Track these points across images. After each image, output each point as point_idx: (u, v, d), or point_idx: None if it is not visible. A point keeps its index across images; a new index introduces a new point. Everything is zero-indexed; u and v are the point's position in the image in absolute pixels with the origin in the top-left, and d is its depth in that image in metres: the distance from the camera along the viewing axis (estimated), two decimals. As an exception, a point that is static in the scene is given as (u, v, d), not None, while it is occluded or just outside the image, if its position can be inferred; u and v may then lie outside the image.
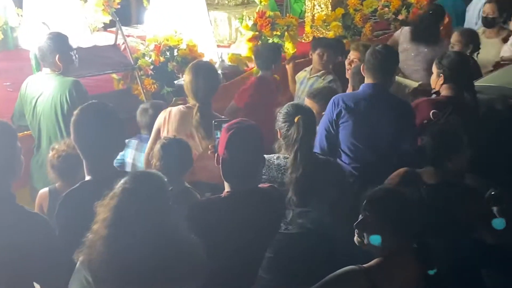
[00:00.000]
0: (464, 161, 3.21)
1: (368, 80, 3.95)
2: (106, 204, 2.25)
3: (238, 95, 4.98)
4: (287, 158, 3.27)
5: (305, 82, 5.21)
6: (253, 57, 5.29)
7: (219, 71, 5.62)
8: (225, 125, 2.81)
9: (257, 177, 2.84)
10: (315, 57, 5.15)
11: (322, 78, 5.09)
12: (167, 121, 3.78)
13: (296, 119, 3.23)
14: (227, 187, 2.80)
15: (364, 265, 2.47)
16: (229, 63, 5.84)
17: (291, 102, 3.54)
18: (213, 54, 5.82)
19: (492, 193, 3.84)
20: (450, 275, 2.63)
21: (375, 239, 2.47)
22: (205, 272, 2.32)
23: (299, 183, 3.19)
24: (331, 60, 5.17)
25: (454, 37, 5.28)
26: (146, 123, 4.20)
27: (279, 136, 3.34)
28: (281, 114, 3.34)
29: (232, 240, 2.68)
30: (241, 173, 2.74)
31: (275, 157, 3.31)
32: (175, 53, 5.34)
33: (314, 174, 3.20)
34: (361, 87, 3.99)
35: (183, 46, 5.38)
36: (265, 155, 3.14)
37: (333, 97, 3.93)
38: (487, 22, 6.09)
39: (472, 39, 5.26)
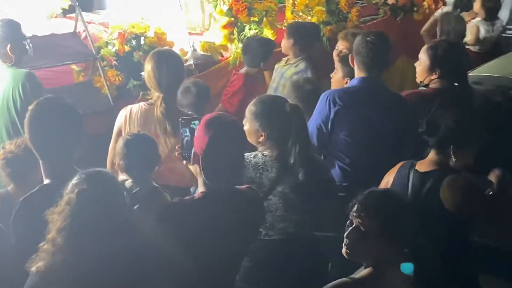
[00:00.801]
0: (469, 158, 3.18)
1: (360, 73, 3.93)
2: (61, 210, 2.22)
3: (227, 99, 5.05)
4: (266, 155, 3.27)
5: (278, 71, 5.23)
6: (241, 52, 5.33)
7: (191, 61, 5.63)
8: (203, 120, 2.80)
9: (242, 176, 2.89)
10: (287, 43, 5.17)
11: (295, 65, 5.11)
12: (128, 120, 3.76)
13: (287, 107, 3.25)
14: (201, 188, 2.80)
15: (356, 277, 2.48)
16: (202, 53, 5.81)
17: (268, 95, 3.53)
18: (184, 42, 5.79)
19: (490, 193, 3.90)
20: (445, 279, 2.66)
21: (408, 268, 2.46)
22: (172, 277, 2.33)
23: (288, 184, 3.20)
24: (305, 47, 5.17)
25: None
26: (189, 103, 4.40)
27: (262, 139, 3.30)
28: (256, 114, 3.30)
29: (206, 245, 2.68)
30: (226, 173, 2.76)
31: (252, 155, 3.30)
32: (142, 42, 5.32)
33: (306, 174, 3.21)
34: (354, 82, 3.97)
35: (150, 33, 5.36)
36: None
37: (326, 94, 3.89)
38: (463, 5, 6.19)
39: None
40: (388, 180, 3.27)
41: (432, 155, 3.18)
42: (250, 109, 3.34)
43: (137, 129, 3.66)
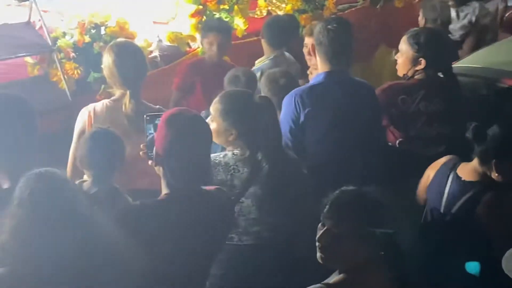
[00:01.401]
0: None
1: (324, 67, 3.88)
2: (13, 214, 2.22)
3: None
4: (237, 154, 3.27)
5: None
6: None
7: (157, 53, 5.60)
8: (163, 117, 2.79)
9: (209, 175, 2.88)
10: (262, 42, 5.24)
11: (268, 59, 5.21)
12: (92, 120, 3.72)
13: (257, 98, 3.27)
14: (165, 189, 2.79)
15: (330, 282, 2.48)
16: (168, 43, 5.78)
17: (233, 90, 3.52)
18: (149, 32, 5.76)
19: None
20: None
21: (473, 267, 2.44)
22: (133, 282, 2.35)
23: (261, 185, 3.20)
24: (278, 44, 5.22)
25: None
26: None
27: (232, 138, 3.29)
28: (224, 111, 3.28)
29: (168, 249, 2.67)
30: (191, 172, 2.76)
31: (221, 155, 3.29)
32: (103, 32, 5.28)
33: (280, 173, 3.23)
34: (319, 77, 3.91)
35: (112, 23, 5.32)
36: (211, 155, 3.16)
37: (293, 95, 3.85)
38: None
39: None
40: (429, 174, 3.40)
41: (475, 163, 3.23)
42: (216, 107, 3.31)
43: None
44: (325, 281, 2.52)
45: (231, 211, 3.02)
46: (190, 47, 5.85)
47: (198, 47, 5.67)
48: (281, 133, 3.44)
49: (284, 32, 5.35)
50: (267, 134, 3.23)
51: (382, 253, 2.47)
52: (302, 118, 3.79)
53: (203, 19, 5.76)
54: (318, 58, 3.89)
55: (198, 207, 2.77)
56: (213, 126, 3.25)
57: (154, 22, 6.07)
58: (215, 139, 3.28)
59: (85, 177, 3.35)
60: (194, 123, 2.78)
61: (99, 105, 3.77)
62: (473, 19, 6.20)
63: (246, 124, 3.24)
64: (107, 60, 3.74)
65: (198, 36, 5.75)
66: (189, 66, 5.27)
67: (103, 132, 3.35)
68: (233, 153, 3.28)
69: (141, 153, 2.90)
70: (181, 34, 5.77)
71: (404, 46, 4.10)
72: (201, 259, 2.86)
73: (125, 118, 3.67)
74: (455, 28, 6.09)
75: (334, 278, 2.53)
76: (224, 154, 3.29)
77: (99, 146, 3.27)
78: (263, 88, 4.22)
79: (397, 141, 4.07)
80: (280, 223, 3.29)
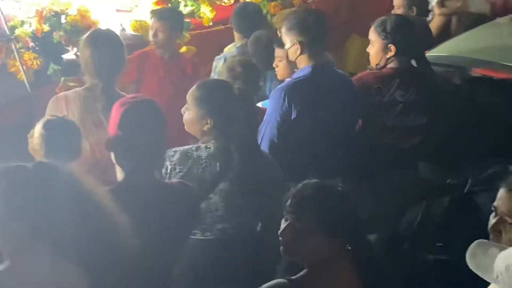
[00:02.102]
0: None
1: (308, 61, 3.84)
2: None
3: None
4: (210, 148, 3.22)
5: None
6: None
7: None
8: (117, 101, 2.86)
9: (159, 161, 2.93)
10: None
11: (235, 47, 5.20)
12: (64, 110, 3.66)
13: (236, 91, 3.24)
14: (120, 175, 2.81)
15: (292, 277, 2.45)
16: (132, 32, 5.75)
17: (213, 79, 3.47)
18: (111, 21, 5.70)
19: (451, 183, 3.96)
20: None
21: None
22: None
23: (231, 182, 3.17)
24: (246, 32, 5.18)
25: None
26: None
27: (207, 128, 3.24)
28: (200, 99, 3.24)
29: (119, 243, 2.59)
30: (138, 156, 2.78)
31: (194, 148, 3.24)
32: (63, 21, 5.23)
33: (253, 171, 3.19)
34: (305, 71, 3.86)
35: (72, 11, 5.26)
36: (182, 147, 3.24)
37: (282, 90, 3.80)
38: None
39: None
40: None
41: None
42: (193, 94, 3.27)
43: (78, 119, 3.58)
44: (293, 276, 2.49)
45: (194, 206, 2.99)
46: (154, 35, 5.78)
47: (163, 36, 5.61)
48: (257, 128, 3.39)
49: (251, 19, 5.28)
50: (243, 128, 3.19)
51: (349, 247, 2.44)
52: (294, 115, 3.75)
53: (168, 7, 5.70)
54: (301, 49, 3.83)
55: (155, 199, 2.77)
56: (188, 115, 3.25)
57: (117, 10, 6.07)
58: (189, 128, 3.30)
59: None
60: (146, 106, 2.85)
61: (71, 93, 3.74)
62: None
63: (223, 114, 3.20)
64: (84, 51, 3.70)
65: (163, 24, 5.69)
66: (133, 60, 5.05)
67: (57, 121, 3.34)
68: (206, 147, 3.23)
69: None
70: (145, 23, 5.72)
71: (373, 35, 4.10)
72: (161, 253, 2.81)
73: (99, 105, 3.65)
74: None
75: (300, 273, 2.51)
76: (196, 146, 3.25)
77: (55, 136, 3.25)
78: (222, 76, 4.21)
79: (374, 132, 4.03)
80: (247, 221, 3.28)
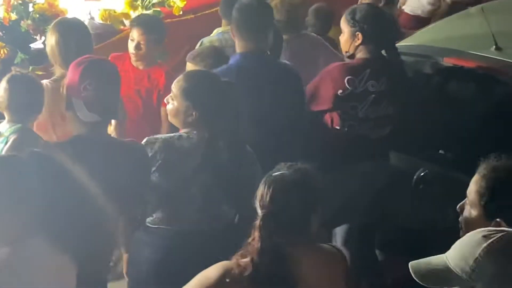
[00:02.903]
0: None
1: (244, 47, 3.85)
2: None
3: None
4: (192, 138, 3.22)
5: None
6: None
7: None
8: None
9: (117, 114, 3.23)
10: None
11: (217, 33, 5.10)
12: None
13: (223, 85, 3.25)
14: (76, 131, 3.06)
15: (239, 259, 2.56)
16: (101, 21, 5.72)
17: (198, 70, 3.46)
18: (80, 10, 5.67)
19: (422, 174, 3.99)
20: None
21: None
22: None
23: (211, 174, 3.19)
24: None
25: None
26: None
27: (191, 119, 3.24)
28: (187, 88, 3.26)
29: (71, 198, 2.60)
30: (101, 109, 3.02)
31: (176, 137, 3.24)
32: (31, 9, 5.18)
33: (237, 164, 3.23)
34: (238, 58, 3.88)
35: (40, 0, 5.21)
36: (164, 135, 3.33)
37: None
38: None
39: None
40: None
41: None
42: (179, 85, 3.27)
43: (46, 111, 3.62)
44: None
45: (145, 164, 3.16)
46: (124, 25, 5.77)
47: (132, 26, 5.58)
48: (238, 121, 3.37)
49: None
50: (227, 121, 3.20)
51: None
52: None
53: (139, -4, 5.67)
54: (237, 36, 3.88)
55: (105, 153, 3.01)
56: (172, 106, 3.26)
57: (86, -1, 5.97)
58: (171, 119, 3.33)
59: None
60: (102, 64, 3.16)
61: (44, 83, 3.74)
62: None
63: (208, 107, 3.21)
64: (50, 38, 3.70)
65: (132, 13, 5.66)
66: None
67: (22, 76, 3.59)
68: (189, 136, 3.23)
69: None
70: (115, 12, 5.73)
71: (343, 23, 4.14)
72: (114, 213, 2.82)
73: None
74: (423, 3, 6.08)
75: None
76: (178, 135, 3.25)
77: (18, 90, 3.47)
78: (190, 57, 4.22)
79: (346, 124, 4.03)
80: (224, 213, 3.31)
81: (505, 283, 1.96)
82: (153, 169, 3.20)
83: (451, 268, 1.99)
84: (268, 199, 2.55)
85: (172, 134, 3.26)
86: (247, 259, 2.54)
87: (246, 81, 3.71)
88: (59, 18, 4.12)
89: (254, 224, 2.57)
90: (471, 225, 2.48)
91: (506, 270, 1.95)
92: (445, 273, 2.00)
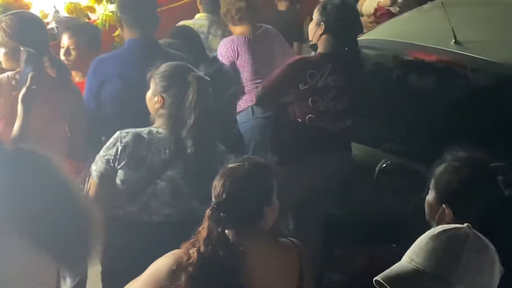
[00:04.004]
0: None
1: (130, 33, 3.91)
2: None
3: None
4: (161, 133, 3.22)
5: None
6: None
7: (54, 25, 5.44)
8: None
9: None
10: None
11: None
12: None
13: (190, 77, 3.21)
14: None
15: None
16: (66, 15, 5.70)
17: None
18: (45, 3, 5.64)
19: (384, 165, 4.05)
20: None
21: None
22: None
23: (179, 169, 3.19)
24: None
25: None
26: None
27: (157, 106, 3.25)
28: (159, 75, 3.27)
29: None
30: None
31: (145, 131, 3.24)
32: (-5, 2, 5.09)
33: (205, 159, 3.20)
34: (125, 44, 3.95)
35: (5, -8, 5.14)
36: (135, 129, 3.26)
37: (95, 63, 3.91)
38: None
39: None
40: None
41: None
42: (157, 70, 3.31)
43: (9, 102, 3.57)
44: None
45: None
46: (89, 18, 5.76)
47: (98, 19, 5.54)
48: (210, 118, 3.34)
49: None
50: (193, 114, 3.19)
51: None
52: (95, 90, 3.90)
53: (105, -10, 5.64)
54: (124, 24, 3.94)
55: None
56: (148, 91, 3.32)
57: (49, -8, 5.91)
58: (147, 104, 3.34)
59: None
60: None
61: (3, 77, 3.68)
62: None
63: (172, 94, 3.22)
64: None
65: (97, 7, 5.64)
66: None
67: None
68: (158, 132, 3.24)
69: None
70: (80, 5, 5.72)
71: (315, 11, 4.18)
72: None
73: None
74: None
75: None
76: (148, 130, 3.26)
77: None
78: None
79: (307, 117, 4.08)
80: (194, 208, 3.27)
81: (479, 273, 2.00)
82: (123, 162, 3.20)
83: (427, 273, 2.00)
84: (220, 189, 2.60)
85: (143, 129, 3.25)
86: (195, 248, 2.58)
87: (130, 65, 3.80)
88: (12, 12, 4.04)
89: (205, 213, 2.61)
90: (428, 207, 2.59)
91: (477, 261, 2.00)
92: (418, 279, 2.01)
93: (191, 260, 2.56)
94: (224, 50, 4.87)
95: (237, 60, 4.82)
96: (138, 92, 3.50)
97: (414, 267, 2.01)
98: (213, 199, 2.62)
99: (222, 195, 2.59)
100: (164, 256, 2.68)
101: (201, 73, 3.33)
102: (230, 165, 2.67)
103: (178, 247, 3.14)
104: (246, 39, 4.89)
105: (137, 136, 3.22)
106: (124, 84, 3.80)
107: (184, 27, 4.90)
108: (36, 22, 3.74)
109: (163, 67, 3.31)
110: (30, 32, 3.61)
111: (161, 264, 2.67)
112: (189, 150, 3.19)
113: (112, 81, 3.83)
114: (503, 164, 2.56)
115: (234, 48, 4.85)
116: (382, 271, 2.07)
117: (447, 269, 1.97)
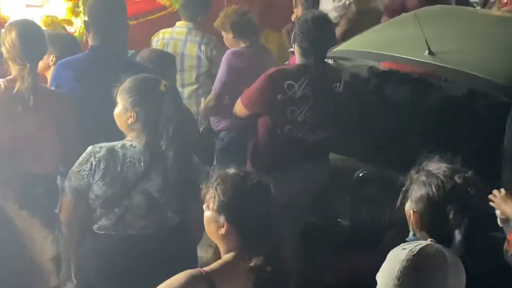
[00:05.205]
0: None
1: (94, 40, 3.95)
2: None
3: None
4: (135, 146, 3.21)
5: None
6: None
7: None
8: None
9: None
10: None
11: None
12: None
13: (162, 86, 3.19)
14: None
15: (204, 269, 2.51)
16: (44, 28, 5.54)
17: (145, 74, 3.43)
18: (22, 16, 5.54)
19: (361, 174, 4.09)
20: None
21: None
22: None
23: (154, 182, 3.19)
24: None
25: None
26: None
27: (130, 121, 3.23)
28: (127, 90, 3.23)
29: None
30: None
31: (119, 145, 3.22)
32: (-28, 17, 5.07)
33: (179, 170, 3.20)
34: (88, 50, 3.99)
35: (-19, 6, 5.11)
36: (108, 143, 3.23)
37: (56, 66, 3.96)
38: None
39: None
40: None
41: None
42: (123, 86, 3.26)
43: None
44: None
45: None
46: (66, 31, 5.72)
47: (75, 32, 5.54)
48: (183, 126, 3.34)
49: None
50: (168, 125, 3.17)
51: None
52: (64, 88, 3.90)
53: (80, 2, 5.62)
54: (90, 30, 3.99)
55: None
56: (116, 107, 3.26)
57: (27, 5, 5.92)
58: (117, 123, 3.28)
59: None
60: None
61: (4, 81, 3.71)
62: (347, 2, 6.32)
63: (145, 107, 3.19)
64: (9, 35, 3.67)
65: (75, 20, 5.63)
66: None
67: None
68: (132, 145, 3.22)
69: None
70: (57, 18, 5.68)
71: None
72: None
73: (19, 99, 3.60)
74: (328, 9, 6.18)
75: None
76: (122, 144, 3.23)
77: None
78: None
79: (286, 128, 4.11)
80: (168, 219, 3.31)
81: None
82: (97, 177, 3.19)
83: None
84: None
85: (116, 143, 3.23)
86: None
87: (93, 70, 3.83)
88: (15, 20, 4.08)
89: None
90: (407, 215, 2.64)
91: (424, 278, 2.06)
92: None
93: None
94: (234, 59, 4.91)
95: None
96: (94, 97, 3.56)
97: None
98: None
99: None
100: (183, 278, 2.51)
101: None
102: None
103: (156, 261, 3.19)
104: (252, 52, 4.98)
105: (111, 151, 3.19)
106: (79, 87, 3.81)
107: (160, 51, 4.86)
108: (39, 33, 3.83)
109: (129, 82, 3.26)
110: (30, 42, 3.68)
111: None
112: (170, 162, 3.18)
113: (66, 85, 3.84)
114: (470, 174, 2.60)
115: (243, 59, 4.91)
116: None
117: (436, 284, 2.03)
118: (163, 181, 3.21)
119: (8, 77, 3.69)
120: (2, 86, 3.65)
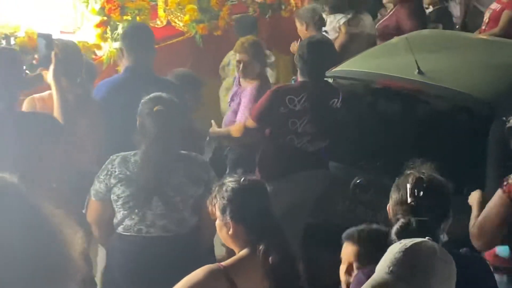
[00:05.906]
0: None
1: (128, 61, 4.20)
2: None
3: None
4: (137, 155, 3.35)
5: None
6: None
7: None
8: None
9: None
10: None
11: None
12: (38, 107, 3.92)
13: (155, 109, 3.29)
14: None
15: (222, 263, 2.55)
16: None
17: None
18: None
19: (358, 181, 4.13)
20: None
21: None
22: None
23: (165, 182, 3.27)
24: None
25: None
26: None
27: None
28: (141, 103, 3.38)
29: None
30: None
31: (132, 153, 3.36)
32: (12, 42, 5.22)
33: (170, 172, 3.29)
34: (122, 71, 4.33)
35: (21, 33, 5.28)
36: (125, 152, 3.34)
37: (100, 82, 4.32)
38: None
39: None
40: None
41: None
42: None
43: None
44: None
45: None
46: (96, 55, 5.84)
47: (103, 55, 5.64)
48: (172, 139, 3.35)
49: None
50: (154, 142, 3.27)
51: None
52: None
53: (107, 29, 5.72)
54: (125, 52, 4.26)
55: None
56: None
57: (61, 32, 5.98)
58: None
59: None
60: None
61: (45, 95, 3.97)
62: (337, 26, 6.38)
63: (141, 122, 3.34)
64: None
65: (103, 44, 5.72)
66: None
67: None
68: (136, 153, 3.36)
69: None
70: (87, 43, 5.76)
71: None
72: None
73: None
74: (328, 29, 6.24)
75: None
76: (135, 152, 3.36)
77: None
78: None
79: (288, 138, 4.19)
80: (186, 219, 3.37)
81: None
82: (114, 181, 3.28)
83: (407, 283, 2.10)
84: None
85: (132, 151, 3.34)
86: None
87: (128, 85, 4.08)
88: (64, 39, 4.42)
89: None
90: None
91: (412, 270, 2.12)
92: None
93: None
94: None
95: None
96: (129, 107, 3.55)
97: (394, 277, 2.11)
98: None
99: None
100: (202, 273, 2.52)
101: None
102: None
103: (179, 262, 3.18)
104: None
105: (124, 157, 3.32)
106: (116, 98, 4.08)
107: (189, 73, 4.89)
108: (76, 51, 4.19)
109: (145, 97, 3.38)
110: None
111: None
112: (169, 167, 3.31)
113: (105, 97, 4.13)
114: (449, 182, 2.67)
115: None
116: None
117: (423, 278, 2.07)
118: (171, 181, 3.30)
119: (48, 92, 3.94)
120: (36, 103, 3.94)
